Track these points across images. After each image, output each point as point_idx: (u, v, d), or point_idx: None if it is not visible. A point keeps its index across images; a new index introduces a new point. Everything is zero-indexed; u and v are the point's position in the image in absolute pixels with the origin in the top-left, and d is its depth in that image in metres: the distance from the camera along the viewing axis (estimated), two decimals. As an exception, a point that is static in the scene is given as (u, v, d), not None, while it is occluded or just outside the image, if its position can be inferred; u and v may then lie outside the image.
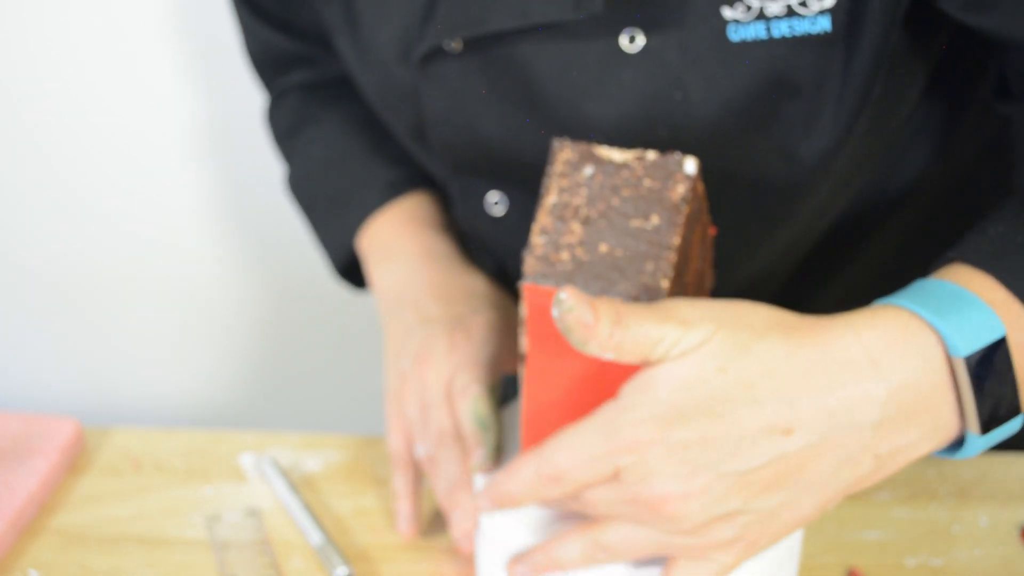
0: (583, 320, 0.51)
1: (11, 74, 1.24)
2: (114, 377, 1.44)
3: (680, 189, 0.55)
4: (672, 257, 0.54)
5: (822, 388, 0.51)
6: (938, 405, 0.53)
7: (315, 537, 0.71)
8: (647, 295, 0.54)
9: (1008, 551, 0.70)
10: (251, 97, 1.18)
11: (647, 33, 0.63)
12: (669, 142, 0.65)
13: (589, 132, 0.66)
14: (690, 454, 0.51)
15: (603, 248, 0.55)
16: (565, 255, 0.55)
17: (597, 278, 0.54)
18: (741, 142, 0.66)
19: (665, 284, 0.54)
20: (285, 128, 0.91)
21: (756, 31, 0.62)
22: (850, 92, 0.64)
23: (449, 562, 0.70)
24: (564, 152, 0.58)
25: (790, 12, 0.61)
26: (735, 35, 0.62)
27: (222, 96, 1.25)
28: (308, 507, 0.74)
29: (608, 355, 0.52)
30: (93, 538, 0.73)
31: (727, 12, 0.62)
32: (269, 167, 1.18)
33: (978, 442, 0.54)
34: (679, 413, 0.51)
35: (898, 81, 0.66)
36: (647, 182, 0.56)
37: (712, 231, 0.64)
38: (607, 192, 0.56)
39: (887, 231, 0.78)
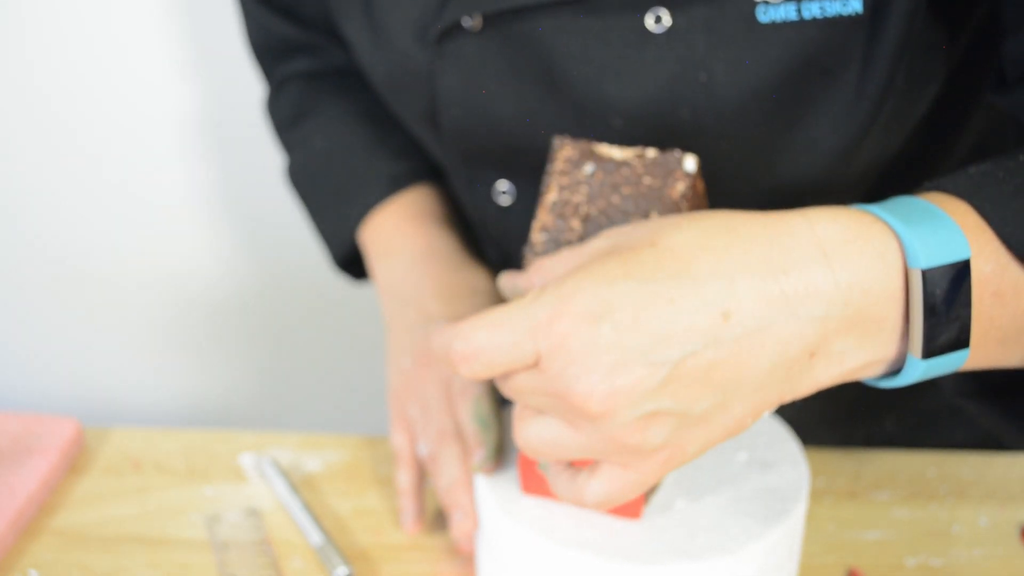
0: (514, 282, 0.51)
1: (6, 73, 1.24)
2: (114, 377, 1.44)
3: (680, 187, 0.55)
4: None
5: (765, 271, 0.47)
6: (884, 317, 0.48)
7: (315, 537, 0.71)
8: None
9: (1008, 551, 0.70)
10: (250, 93, 1.18)
11: (673, 13, 0.63)
12: (692, 124, 0.64)
13: (609, 112, 0.66)
14: (618, 344, 0.46)
15: (603, 246, 0.55)
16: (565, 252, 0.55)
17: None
18: (765, 126, 0.65)
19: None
20: (286, 118, 0.91)
21: (787, 12, 0.61)
22: (874, 78, 0.63)
23: (449, 562, 0.70)
24: (564, 150, 0.58)
25: None
26: (764, 16, 0.61)
27: (221, 94, 1.25)
28: (308, 507, 0.74)
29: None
30: (93, 538, 0.73)
31: None
32: (270, 166, 1.18)
33: (918, 367, 0.49)
34: (609, 296, 0.46)
35: (918, 75, 0.66)
36: (647, 180, 0.56)
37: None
38: (607, 190, 0.56)
39: None
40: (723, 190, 0.67)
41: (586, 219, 0.56)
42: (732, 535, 0.59)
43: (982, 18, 0.67)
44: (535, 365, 0.48)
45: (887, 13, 0.61)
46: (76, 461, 0.80)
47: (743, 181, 0.68)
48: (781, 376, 0.48)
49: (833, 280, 0.47)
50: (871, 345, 0.49)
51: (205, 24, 1.20)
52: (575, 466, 0.54)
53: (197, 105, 1.26)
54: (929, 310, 0.48)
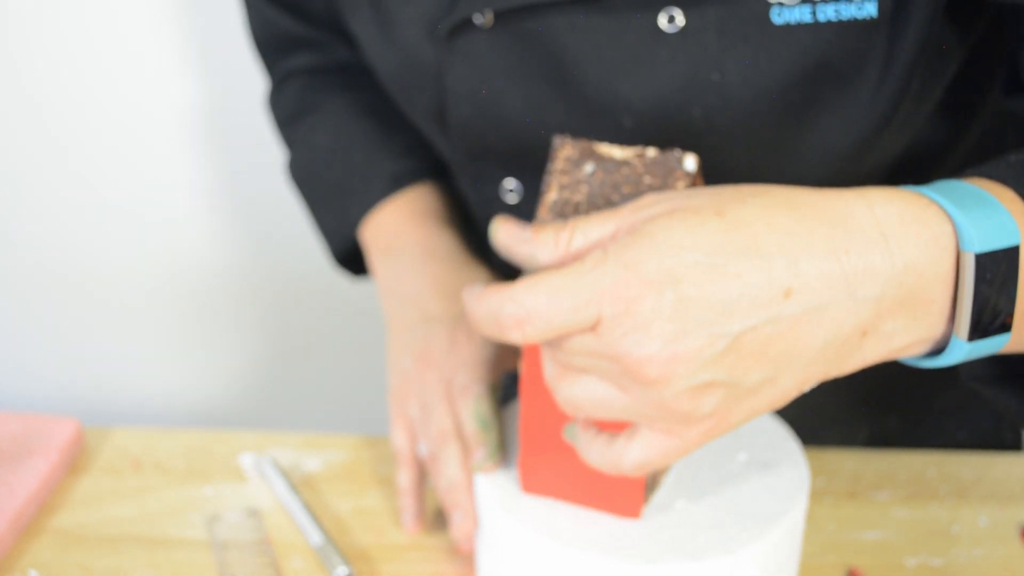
0: (522, 235, 0.50)
1: (6, 70, 1.24)
2: (114, 377, 1.44)
3: (680, 187, 0.55)
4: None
5: (827, 250, 0.48)
6: (934, 298, 0.49)
7: (315, 537, 0.71)
8: None
9: (1008, 551, 0.70)
10: (253, 89, 1.17)
11: (686, 12, 0.63)
12: (703, 124, 0.64)
13: (619, 111, 0.66)
14: (683, 313, 0.46)
15: (603, 245, 0.55)
16: None
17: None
18: (777, 127, 0.65)
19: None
20: (288, 114, 0.91)
21: (801, 14, 0.61)
22: (890, 81, 0.63)
23: (449, 562, 0.70)
24: (565, 149, 0.58)
25: None
26: (778, 18, 0.61)
27: (220, 94, 1.25)
28: (308, 507, 0.74)
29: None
30: (93, 538, 0.73)
31: None
32: (271, 166, 1.18)
33: (962, 348, 0.50)
34: (677, 265, 0.47)
35: (930, 77, 0.66)
36: (647, 179, 0.56)
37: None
38: (607, 189, 0.56)
39: None
40: None
41: (586, 218, 0.56)
42: (732, 535, 0.59)
43: (988, 21, 0.67)
44: (593, 329, 0.48)
45: (907, 18, 0.61)
46: (76, 461, 0.79)
47: (753, 181, 0.68)
48: (832, 353, 0.49)
49: (890, 262, 0.48)
50: (919, 325, 0.50)
51: (208, 18, 1.20)
52: (607, 431, 0.53)
53: (198, 102, 1.26)
54: (978, 293, 0.49)
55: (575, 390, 0.51)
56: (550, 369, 0.52)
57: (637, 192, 0.56)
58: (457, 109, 0.71)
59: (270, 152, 1.17)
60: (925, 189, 0.51)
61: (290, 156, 0.90)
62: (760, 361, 0.48)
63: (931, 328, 0.50)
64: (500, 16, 0.67)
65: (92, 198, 1.31)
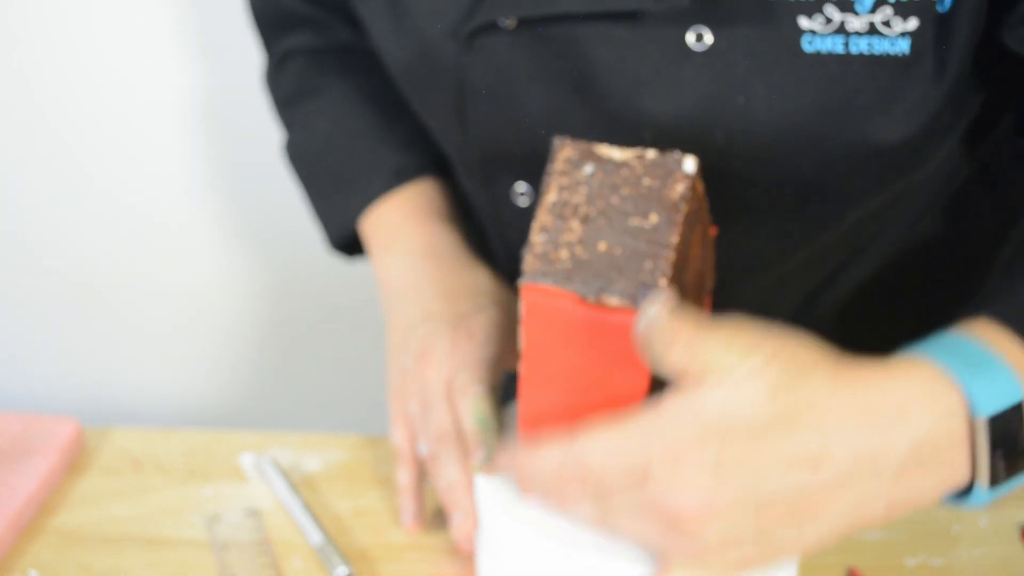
0: (665, 338, 0.52)
1: (5, 71, 1.24)
2: (114, 377, 1.44)
3: (679, 188, 0.55)
4: (671, 256, 0.54)
5: (855, 431, 0.52)
6: (953, 458, 0.54)
7: (315, 537, 0.71)
8: (645, 294, 0.54)
9: (1008, 551, 0.70)
10: (251, 91, 1.17)
11: (716, 32, 0.62)
12: (724, 146, 0.64)
13: (639, 125, 0.65)
14: (723, 471, 0.51)
15: (602, 246, 0.55)
16: (564, 253, 0.55)
17: (596, 276, 0.54)
18: (799, 153, 0.65)
19: (663, 283, 0.54)
20: (287, 94, 0.89)
21: (833, 44, 0.61)
22: (918, 119, 0.63)
23: (449, 562, 0.70)
24: (564, 150, 0.58)
25: (872, 30, 0.60)
26: (810, 46, 0.61)
27: (221, 87, 1.25)
28: (308, 507, 0.74)
29: (672, 371, 0.53)
30: (93, 538, 0.73)
31: (804, 22, 0.61)
32: (271, 165, 1.18)
33: (985, 494, 0.55)
34: (724, 431, 0.51)
35: (956, 113, 0.66)
36: (646, 181, 0.56)
37: (713, 231, 0.64)
38: (607, 190, 0.56)
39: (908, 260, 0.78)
40: (749, 213, 0.67)
41: (585, 220, 0.56)
42: (732, 535, 0.59)
43: (1010, 64, 0.67)
44: (640, 484, 0.53)
45: (941, 58, 0.61)
46: (76, 461, 0.80)
47: (770, 207, 0.68)
48: (856, 516, 0.54)
49: (909, 438, 0.53)
50: (939, 482, 0.54)
51: (210, 8, 1.19)
52: None
53: (197, 94, 1.25)
54: (993, 448, 0.54)
55: (618, 523, 0.55)
56: (586, 507, 0.56)
57: (636, 194, 0.56)
58: (476, 109, 0.70)
59: (271, 152, 1.17)
60: (937, 355, 0.55)
61: (288, 138, 0.89)
62: (787, 523, 0.53)
63: (951, 481, 0.55)
64: (525, 20, 0.66)
65: (92, 197, 1.31)
